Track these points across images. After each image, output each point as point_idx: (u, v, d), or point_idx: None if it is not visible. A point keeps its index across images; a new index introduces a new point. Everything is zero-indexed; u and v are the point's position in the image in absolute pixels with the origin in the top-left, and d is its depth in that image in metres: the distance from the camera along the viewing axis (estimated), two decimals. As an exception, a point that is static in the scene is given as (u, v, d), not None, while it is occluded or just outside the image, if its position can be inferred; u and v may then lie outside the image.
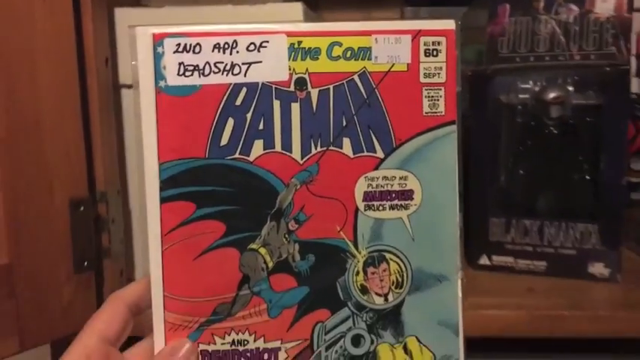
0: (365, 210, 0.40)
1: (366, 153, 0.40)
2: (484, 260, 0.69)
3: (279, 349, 0.40)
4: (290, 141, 0.39)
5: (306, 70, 0.39)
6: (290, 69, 0.39)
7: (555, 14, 0.66)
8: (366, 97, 0.40)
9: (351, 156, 0.40)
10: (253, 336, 0.40)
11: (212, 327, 0.39)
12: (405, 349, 0.41)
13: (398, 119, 0.40)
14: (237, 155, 0.39)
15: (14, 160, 0.54)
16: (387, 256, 0.40)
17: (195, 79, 0.38)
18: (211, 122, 0.39)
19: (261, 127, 0.39)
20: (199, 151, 0.39)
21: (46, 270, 0.56)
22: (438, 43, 0.40)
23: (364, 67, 0.39)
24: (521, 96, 0.66)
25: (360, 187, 0.40)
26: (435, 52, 0.40)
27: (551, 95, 0.65)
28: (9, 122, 0.53)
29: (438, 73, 0.40)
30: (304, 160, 0.39)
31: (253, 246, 0.39)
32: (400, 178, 0.40)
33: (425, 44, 0.40)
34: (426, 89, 0.40)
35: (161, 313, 0.39)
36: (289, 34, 0.39)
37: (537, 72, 0.66)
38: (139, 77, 0.38)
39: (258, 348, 0.40)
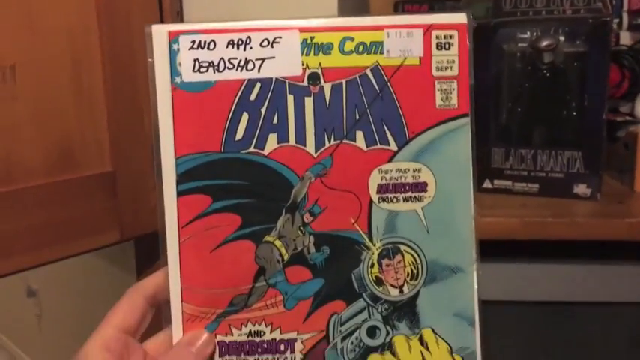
0: (379, 202, 0.40)
1: (379, 146, 0.40)
2: (487, 184, 0.81)
3: (295, 340, 0.41)
4: (304, 135, 0.40)
5: (319, 65, 0.40)
6: (303, 64, 0.40)
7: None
8: (378, 90, 0.40)
9: (365, 149, 0.40)
10: (269, 327, 0.40)
11: (229, 318, 0.40)
12: (421, 340, 0.41)
13: (411, 112, 0.40)
14: (251, 149, 0.40)
15: (117, 93, 0.69)
16: (402, 247, 0.41)
17: (210, 75, 0.39)
18: (226, 117, 0.39)
19: (275, 121, 0.40)
20: (215, 145, 0.39)
21: (139, 179, 0.71)
22: (450, 37, 0.40)
23: (377, 62, 0.40)
24: (520, 45, 0.77)
25: (374, 179, 0.40)
26: (447, 46, 0.40)
27: (544, 43, 0.75)
28: (112, 64, 0.68)
29: (451, 66, 0.40)
30: (318, 153, 0.40)
31: (269, 238, 0.40)
32: (414, 171, 0.41)
33: (437, 38, 0.40)
34: (438, 82, 0.40)
35: (179, 304, 0.40)
36: (302, 30, 0.39)
37: (534, 24, 0.76)
38: (155, 74, 0.39)
39: (275, 339, 0.40)
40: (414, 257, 0.41)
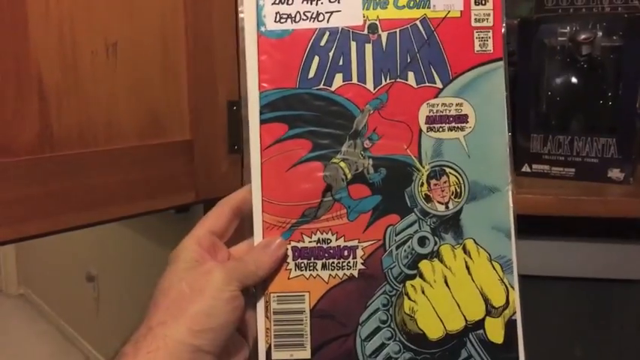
0: (427, 131, 0.48)
1: (427, 84, 0.48)
2: (525, 168, 0.86)
3: (356, 247, 0.48)
4: (364, 74, 0.48)
5: (377, 17, 0.48)
6: (364, 16, 0.48)
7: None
8: (426, 38, 0.48)
9: (415, 86, 0.48)
10: (335, 236, 0.48)
11: (301, 227, 0.48)
12: (464, 249, 0.48)
13: (453, 56, 0.48)
14: (321, 86, 0.48)
15: (198, 69, 0.77)
16: (447, 170, 0.48)
17: (288, 25, 0.48)
18: (301, 59, 0.48)
19: (340, 63, 0.48)
20: (291, 82, 0.48)
21: (212, 147, 0.80)
22: None
23: (425, 14, 0.48)
24: (560, 39, 0.81)
25: (423, 112, 0.48)
26: (483, 2, 0.48)
27: (582, 36, 0.80)
28: (194, 42, 0.76)
29: (487, 18, 0.48)
30: (376, 89, 0.48)
31: (335, 160, 0.48)
32: (456, 105, 0.48)
33: None
34: (476, 32, 0.48)
35: (260, 214, 0.48)
36: None
37: (573, 19, 0.81)
38: (245, 24, 0.48)
39: (339, 246, 0.48)
40: (457, 178, 0.48)
